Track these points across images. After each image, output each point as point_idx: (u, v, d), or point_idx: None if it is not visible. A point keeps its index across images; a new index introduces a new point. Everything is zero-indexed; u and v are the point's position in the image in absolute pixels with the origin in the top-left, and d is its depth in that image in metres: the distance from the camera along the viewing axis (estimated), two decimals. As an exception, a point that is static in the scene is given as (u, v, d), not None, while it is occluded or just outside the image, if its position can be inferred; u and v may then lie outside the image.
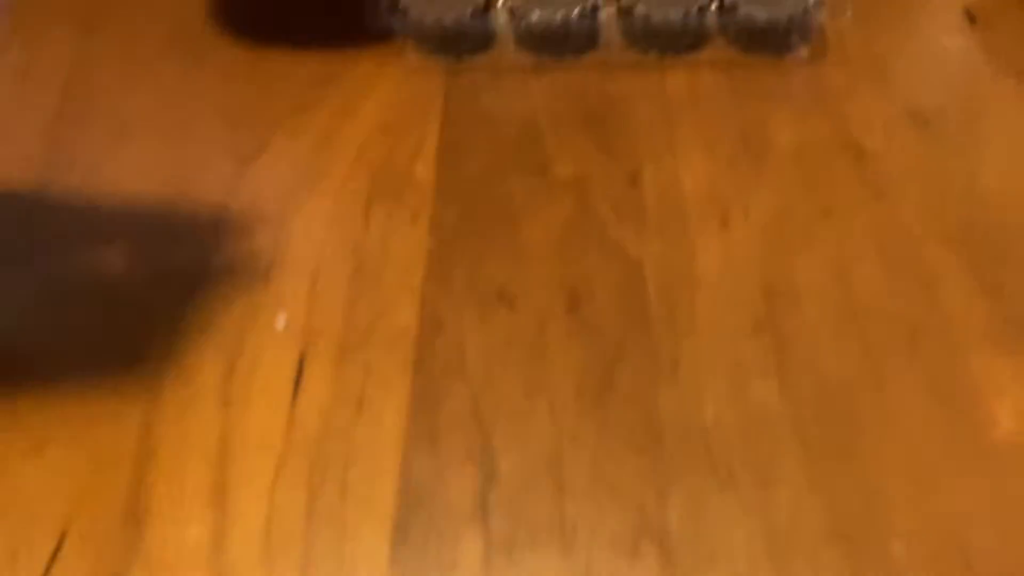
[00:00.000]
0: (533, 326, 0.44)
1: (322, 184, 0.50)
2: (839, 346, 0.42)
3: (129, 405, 0.41)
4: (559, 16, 0.54)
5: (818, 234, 0.46)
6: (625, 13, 0.54)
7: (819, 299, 0.43)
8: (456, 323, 0.44)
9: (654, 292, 0.44)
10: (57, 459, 0.40)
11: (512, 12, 0.55)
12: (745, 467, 0.38)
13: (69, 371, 0.43)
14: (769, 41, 0.55)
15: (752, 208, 0.47)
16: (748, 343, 0.42)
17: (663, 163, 0.50)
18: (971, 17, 0.56)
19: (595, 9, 0.54)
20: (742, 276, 0.44)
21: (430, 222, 0.48)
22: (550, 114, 0.53)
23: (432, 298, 0.45)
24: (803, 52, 0.55)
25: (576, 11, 0.54)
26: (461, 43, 0.56)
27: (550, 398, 0.41)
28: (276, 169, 0.51)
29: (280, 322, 0.44)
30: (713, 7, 0.54)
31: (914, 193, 0.47)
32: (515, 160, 0.51)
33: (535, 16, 0.54)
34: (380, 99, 0.54)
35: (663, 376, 0.41)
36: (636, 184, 0.49)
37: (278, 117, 0.53)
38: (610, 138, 0.51)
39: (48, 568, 0.36)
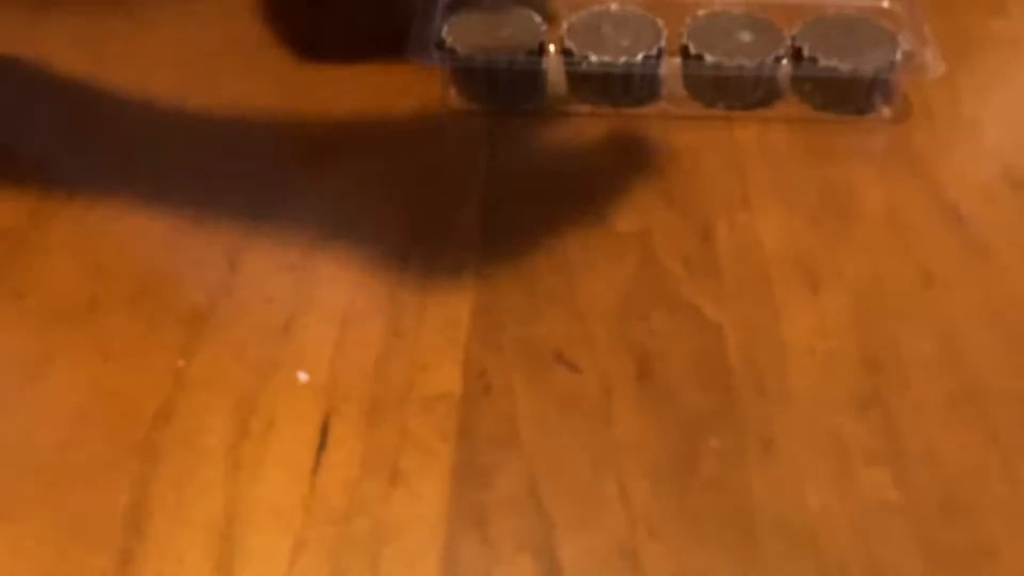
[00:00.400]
0: (597, 392, 0.38)
1: (354, 227, 0.45)
2: (959, 430, 0.36)
3: (120, 464, 0.35)
4: (621, 61, 0.49)
5: (921, 302, 0.40)
6: (693, 60, 0.50)
7: (929, 374, 0.38)
8: (506, 385, 0.38)
9: (737, 358, 0.38)
10: (29, 528, 0.33)
11: (567, 55, 0.50)
12: (860, 569, 0.32)
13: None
14: (848, 98, 0.50)
15: (844, 271, 0.42)
16: (852, 422, 0.36)
17: (737, 218, 0.44)
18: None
19: (659, 55, 0.50)
20: (838, 345, 0.39)
21: (476, 274, 0.42)
22: (608, 164, 0.48)
23: (478, 356, 0.39)
24: (885, 111, 0.50)
25: (640, 56, 0.49)
26: (511, 87, 0.51)
27: (620, 478, 0.35)
28: (303, 209, 0.45)
29: (302, 377, 0.38)
30: (787, 59, 0.49)
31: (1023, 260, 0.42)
32: (570, 211, 0.46)
33: (593, 60, 0.49)
34: (420, 140, 0.49)
35: (754, 455, 0.35)
36: (708, 239, 0.43)
37: (308, 154, 0.48)
38: (676, 190, 0.46)
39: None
